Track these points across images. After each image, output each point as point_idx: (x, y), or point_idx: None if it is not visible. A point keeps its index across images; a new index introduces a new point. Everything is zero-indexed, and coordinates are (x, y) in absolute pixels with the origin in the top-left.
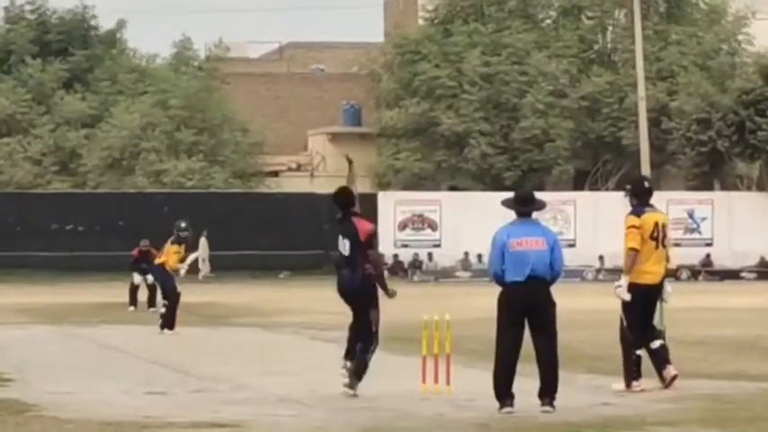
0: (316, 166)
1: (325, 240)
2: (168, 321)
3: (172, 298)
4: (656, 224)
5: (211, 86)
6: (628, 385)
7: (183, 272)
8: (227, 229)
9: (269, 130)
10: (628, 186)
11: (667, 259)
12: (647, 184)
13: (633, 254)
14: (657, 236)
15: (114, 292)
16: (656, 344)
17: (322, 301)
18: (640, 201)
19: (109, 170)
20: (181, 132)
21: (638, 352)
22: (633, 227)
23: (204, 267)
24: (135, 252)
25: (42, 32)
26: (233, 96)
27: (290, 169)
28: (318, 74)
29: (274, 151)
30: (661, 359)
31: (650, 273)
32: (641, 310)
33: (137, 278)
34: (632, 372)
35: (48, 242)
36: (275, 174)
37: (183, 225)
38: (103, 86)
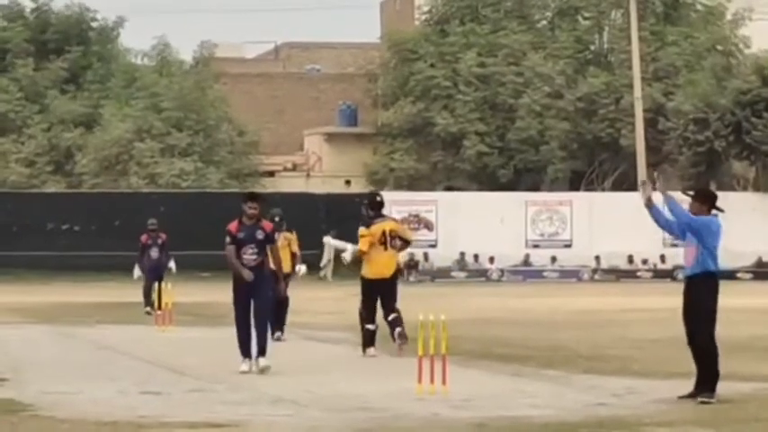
0: (312, 167)
1: (321, 241)
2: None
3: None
4: (384, 232)
5: (204, 85)
6: (364, 351)
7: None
8: (223, 229)
9: (265, 130)
10: (366, 201)
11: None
12: (378, 198)
13: (364, 255)
14: (385, 241)
15: (110, 291)
16: (392, 315)
17: (317, 302)
18: (375, 213)
19: (104, 171)
20: (174, 136)
21: (371, 326)
22: (363, 236)
23: (327, 268)
24: (143, 237)
25: (40, 32)
26: (229, 96)
27: (285, 169)
28: (314, 74)
29: (270, 151)
30: (393, 326)
31: (381, 268)
32: (372, 297)
33: (137, 272)
34: (367, 340)
35: (44, 242)
36: (271, 174)
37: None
38: (95, 88)
